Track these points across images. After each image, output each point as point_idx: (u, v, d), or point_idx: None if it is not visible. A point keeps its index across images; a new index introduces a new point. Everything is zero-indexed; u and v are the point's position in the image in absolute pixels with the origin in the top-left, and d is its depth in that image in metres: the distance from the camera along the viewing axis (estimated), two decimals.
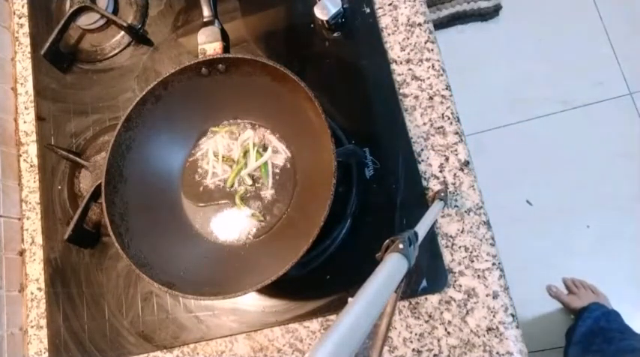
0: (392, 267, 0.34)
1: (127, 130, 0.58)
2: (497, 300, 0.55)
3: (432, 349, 0.56)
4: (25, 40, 0.82)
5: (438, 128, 0.62)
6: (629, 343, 1.00)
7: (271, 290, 0.61)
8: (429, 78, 0.63)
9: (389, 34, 0.66)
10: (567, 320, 1.34)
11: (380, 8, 0.67)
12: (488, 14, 1.59)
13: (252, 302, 0.61)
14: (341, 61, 0.67)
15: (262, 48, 0.71)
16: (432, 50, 0.64)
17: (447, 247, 0.58)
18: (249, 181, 0.61)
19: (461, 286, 0.57)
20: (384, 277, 0.32)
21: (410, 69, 0.64)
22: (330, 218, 0.48)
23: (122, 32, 0.76)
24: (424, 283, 0.57)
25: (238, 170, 0.61)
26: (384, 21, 0.67)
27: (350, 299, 0.29)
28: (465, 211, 0.58)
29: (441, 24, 1.61)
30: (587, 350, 1.06)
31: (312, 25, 0.69)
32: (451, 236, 0.58)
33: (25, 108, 0.79)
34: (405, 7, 0.66)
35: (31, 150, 0.77)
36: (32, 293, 0.71)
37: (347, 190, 0.60)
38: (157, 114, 0.60)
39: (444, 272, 0.57)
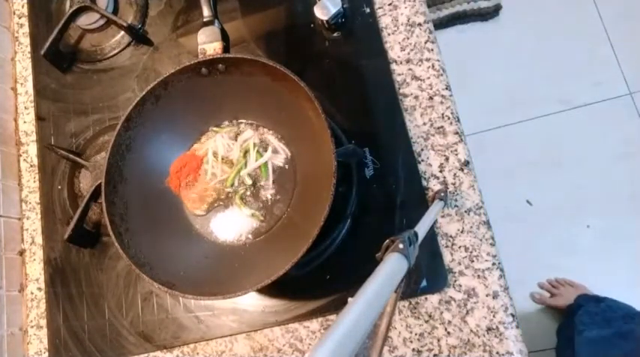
0: (392, 267, 0.34)
1: (127, 130, 0.58)
2: (497, 300, 0.55)
3: (432, 349, 0.56)
4: (25, 40, 0.82)
5: (438, 128, 0.62)
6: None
7: (271, 290, 0.61)
8: (429, 78, 0.63)
9: (389, 34, 0.66)
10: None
11: (380, 8, 0.67)
12: (488, 14, 1.59)
13: (252, 302, 0.61)
14: (341, 61, 0.67)
15: (262, 48, 0.71)
16: (432, 50, 0.64)
17: (447, 247, 0.58)
18: (249, 181, 0.61)
19: (461, 286, 0.57)
20: (383, 277, 0.32)
21: (410, 69, 0.64)
22: (330, 218, 0.48)
23: (122, 32, 0.76)
24: (424, 283, 0.57)
25: (238, 170, 0.61)
26: (384, 21, 0.67)
27: (350, 299, 0.29)
28: (465, 211, 0.58)
29: (440, 24, 1.61)
30: (585, 330, 1.05)
31: (312, 25, 0.69)
32: (451, 236, 0.58)
33: (25, 108, 0.79)
34: (405, 7, 0.67)
35: (31, 150, 0.77)
36: (32, 293, 0.71)
37: (347, 190, 0.60)
38: (156, 114, 0.60)
39: (444, 272, 0.57)
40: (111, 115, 0.74)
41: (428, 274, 0.57)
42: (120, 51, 0.77)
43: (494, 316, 0.55)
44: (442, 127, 0.62)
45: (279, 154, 0.62)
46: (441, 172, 0.60)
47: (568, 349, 1.07)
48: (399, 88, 0.64)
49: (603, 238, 1.39)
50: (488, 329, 0.55)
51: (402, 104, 0.63)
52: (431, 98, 0.63)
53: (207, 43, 0.70)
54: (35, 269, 0.72)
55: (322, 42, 0.68)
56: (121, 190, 0.58)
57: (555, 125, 1.49)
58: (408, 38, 0.65)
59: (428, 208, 0.52)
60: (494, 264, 0.57)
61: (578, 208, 1.43)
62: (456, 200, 0.59)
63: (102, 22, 0.77)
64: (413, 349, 0.56)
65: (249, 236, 0.60)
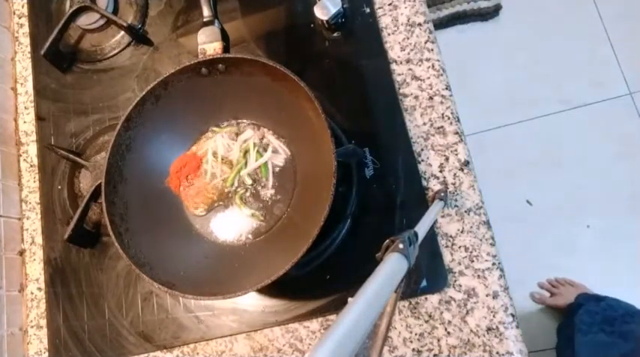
0: (392, 267, 0.34)
1: (127, 130, 0.58)
2: (497, 300, 0.55)
3: (432, 349, 0.56)
4: (25, 40, 0.82)
5: (438, 128, 0.62)
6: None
7: (271, 290, 0.61)
8: (429, 78, 0.63)
9: (389, 34, 0.66)
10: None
11: (380, 8, 0.67)
12: (488, 14, 1.59)
13: (252, 302, 0.61)
14: (341, 61, 0.67)
15: (262, 48, 0.71)
16: (432, 50, 0.64)
17: (447, 247, 0.58)
18: (249, 181, 0.61)
19: (461, 286, 0.57)
20: (383, 277, 0.32)
21: (410, 69, 0.64)
22: (330, 218, 0.48)
23: (122, 32, 0.76)
24: (424, 283, 0.57)
25: (238, 170, 0.61)
26: (384, 21, 0.67)
27: (350, 299, 0.29)
28: (465, 211, 0.58)
29: (440, 24, 1.61)
30: (589, 332, 1.05)
31: (312, 25, 0.69)
32: (451, 236, 0.58)
33: (25, 108, 0.79)
34: (405, 7, 0.67)
35: (31, 150, 0.77)
36: (32, 293, 0.71)
37: (347, 190, 0.60)
38: (156, 114, 0.60)
39: (444, 272, 0.57)
40: (111, 115, 0.74)
41: (428, 274, 0.57)
42: (120, 51, 0.77)
43: (494, 316, 0.55)
44: (442, 127, 0.62)
45: (279, 154, 0.62)
46: (441, 172, 0.60)
47: (568, 348, 1.07)
48: (399, 88, 0.64)
49: (603, 238, 1.39)
50: (488, 329, 0.55)
51: (402, 104, 0.63)
52: (431, 98, 0.63)
53: (207, 43, 0.70)
54: (35, 269, 0.72)
55: (322, 42, 0.68)
56: (121, 190, 0.58)
57: (555, 125, 1.49)
58: (408, 38, 0.65)
59: (428, 208, 0.52)
60: (494, 264, 0.57)
61: (578, 208, 1.43)
62: (456, 200, 0.59)
63: (102, 22, 0.77)
64: (413, 349, 0.56)
65: (249, 236, 0.60)
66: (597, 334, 1.03)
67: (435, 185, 0.60)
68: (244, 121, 0.64)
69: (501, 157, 1.50)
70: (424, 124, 0.62)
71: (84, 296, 0.68)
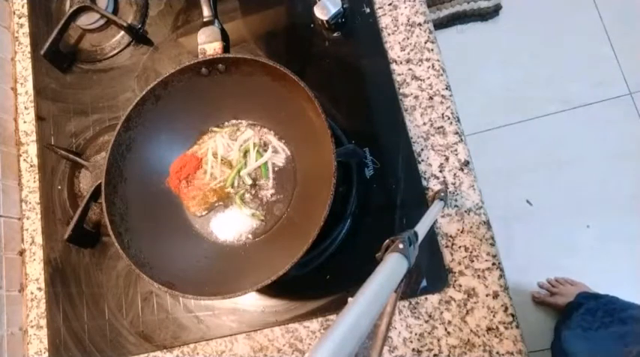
0: (392, 267, 0.34)
1: (127, 130, 0.58)
2: (497, 300, 0.55)
3: (432, 349, 0.56)
4: (25, 40, 0.82)
5: (438, 128, 0.62)
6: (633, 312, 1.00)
7: (271, 290, 0.61)
8: (429, 78, 0.63)
9: (389, 34, 0.66)
10: None
11: (380, 8, 0.67)
12: (488, 14, 1.59)
13: (252, 302, 0.61)
14: (341, 61, 0.67)
15: (262, 48, 0.71)
16: (432, 50, 0.64)
17: (447, 247, 0.58)
18: (249, 181, 0.61)
19: (461, 285, 0.57)
20: (383, 277, 0.32)
21: (410, 69, 0.64)
22: (330, 218, 0.48)
23: (122, 32, 0.76)
24: (424, 282, 0.57)
25: (238, 170, 0.61)
26: (384, 21, 0.67)
27: (350, 299, 0.29)
28: (465, 211, 0.58)
29: (441, 24, 1.61)
30: (589, 328, 1.05)
31: (312, 25, 0.69)
32: (451, 236, 0.58)
33: (25, 108, 0.79)
34: (405, 7, 0.67)
35: (31, 150, 0.77)
36: (32, 293, 0.71)
37: (347, 190, 0.60)
38: (156, 114, 0.60)
39: (444, 272, 0.57)
40: (111, 115, 0.74)
41: (428, 274, 0.57)
42: (120, 51, 0.77)
43: (494, 316, 0.55)
44: (442, 127, 0.62)
45: (279, 154, 0.62)
46: (441, 172, 0.60)
47: (562, 344, 1.07)
48: (399, 88, 0.64)
49: (603, 238, 1.39)
50: (489, 329, 0.55)
51: (402, 104, 0.63)
52: (431, 98, 0.63)
53: (207, 43, 0.70)
54: (35, 269, 0.72)
55: (322, 42, 0.68)
56: (121, 190, 0.58)
57: (555, 125, 1.49)
58: (408, 38, 0.65)
59: (428, 208, 0.52)
60: (494, 264, 0.57)
61: (578, 208, 1.42)
62: (456, 200, 0.59)
63: (102, 22, 0.77)
64: (413, 349, 0.56)
65: (249, 236, 0.60)
66: (597, 331, 1.03)
67: (435, 185, 0.60)
68: (244, 121, 0.64)
69: (501, 157, 1.50)
70: (424, 124, 0.62)
71: (84, 296, 0.68)
